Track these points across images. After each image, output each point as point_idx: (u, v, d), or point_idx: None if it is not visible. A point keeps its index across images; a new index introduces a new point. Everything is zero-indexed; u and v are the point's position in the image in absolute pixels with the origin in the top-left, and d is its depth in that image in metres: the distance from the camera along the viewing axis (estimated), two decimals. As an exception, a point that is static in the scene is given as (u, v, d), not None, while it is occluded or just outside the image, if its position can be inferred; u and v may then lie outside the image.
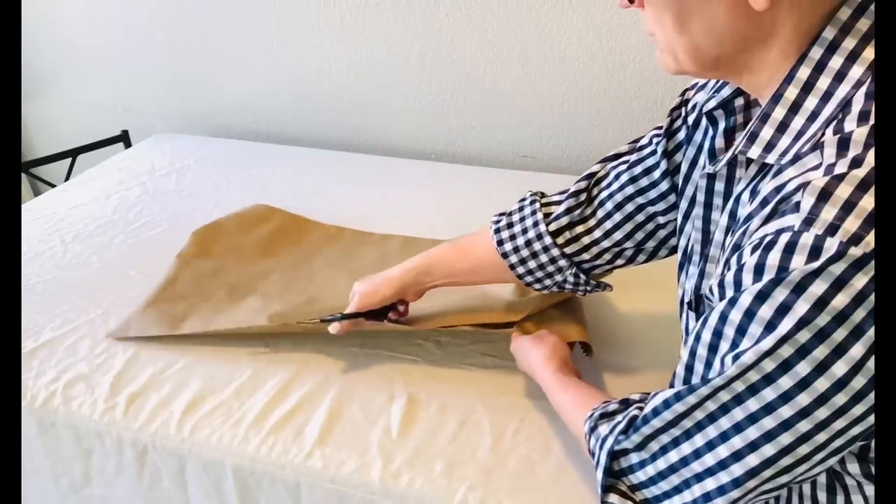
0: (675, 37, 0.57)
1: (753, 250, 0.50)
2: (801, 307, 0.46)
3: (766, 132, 0.55)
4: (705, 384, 0.54)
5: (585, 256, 0.86)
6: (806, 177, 0.48)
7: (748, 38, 0.54)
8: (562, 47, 1.53)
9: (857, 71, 0.51)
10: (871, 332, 0.45)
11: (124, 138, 1.83)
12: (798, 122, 0.53)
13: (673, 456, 0.59)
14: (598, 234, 0.85)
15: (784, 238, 0.47)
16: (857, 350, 0.46)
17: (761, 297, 0.48)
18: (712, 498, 0.56)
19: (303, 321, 0.97)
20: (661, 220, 0.83)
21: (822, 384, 0.47)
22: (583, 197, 0.86)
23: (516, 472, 0.80)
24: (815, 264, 0.45)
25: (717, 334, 0.53)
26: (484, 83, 1.61)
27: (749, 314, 0.49)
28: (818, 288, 0.45)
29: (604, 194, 0.84)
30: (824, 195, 0.46)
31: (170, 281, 1.12)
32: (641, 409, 0.62)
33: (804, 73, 0.53)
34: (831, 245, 0.44)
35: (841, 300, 0.44)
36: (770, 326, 0.48)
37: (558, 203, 0.88)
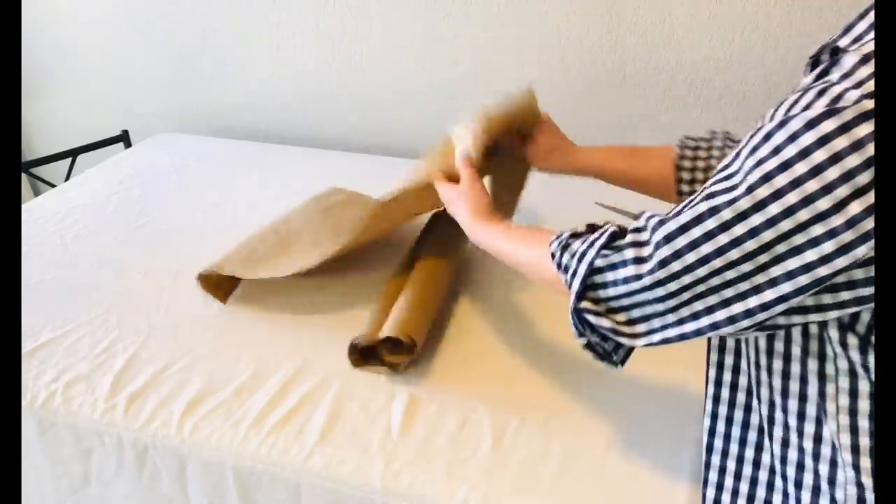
0: None
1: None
2: (807, 139, 0.50)
3: (861, 26, 0.55)
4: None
5: None
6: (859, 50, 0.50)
7: None
8: (562, 47, 1.53)
9: None
10: (863, 179, 0.48)
11: (124, 138, 1.83)
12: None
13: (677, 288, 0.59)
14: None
15: (819, 87, 0.51)
16: (843, 191, 0.49)
17: (781, 124, 0.52)
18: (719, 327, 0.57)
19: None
20: None
21: (823, 203, 0.50)
22: None
23: (517, 471, 0.80)
24: (832, 106, 0.49)
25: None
26: (484, 83, 1.61)
27: (767, 136, 0.53)
28: (827, 126, 0.49)
29: None
30: (866, 59, 0.49)
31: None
32: (617, 230, 0.66)
33: None
34: (851, 96, 0.48)
35: (841, 142, 0.48)
36: (776, 150, 0.52)
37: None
